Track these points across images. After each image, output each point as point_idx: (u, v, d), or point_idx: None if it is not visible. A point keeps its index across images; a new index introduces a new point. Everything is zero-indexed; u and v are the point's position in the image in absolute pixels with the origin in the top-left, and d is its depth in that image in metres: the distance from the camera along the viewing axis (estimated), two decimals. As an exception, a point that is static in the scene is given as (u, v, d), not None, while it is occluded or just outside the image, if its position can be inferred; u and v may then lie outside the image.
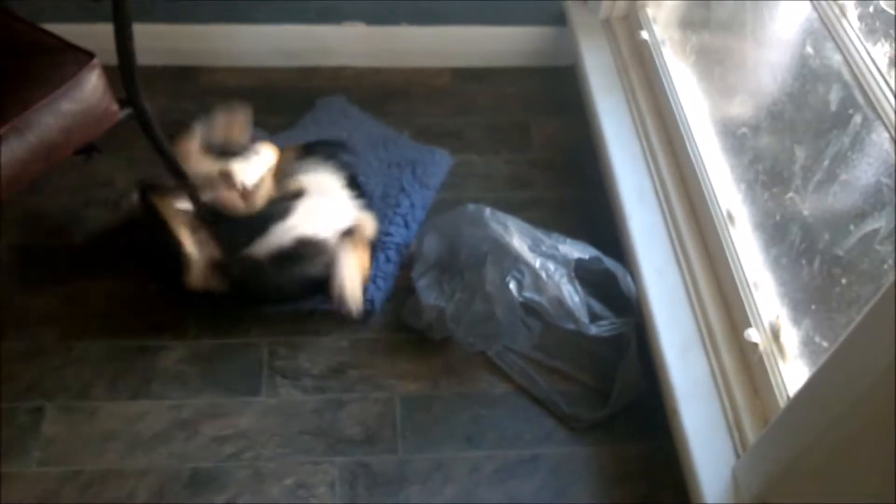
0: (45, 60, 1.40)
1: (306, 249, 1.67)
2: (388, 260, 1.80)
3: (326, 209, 1.72)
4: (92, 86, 1.41)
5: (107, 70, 1.44)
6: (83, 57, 1.41)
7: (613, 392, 1.64)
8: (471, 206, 1.77)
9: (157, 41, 2.09)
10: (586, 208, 1.96)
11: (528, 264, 1.67)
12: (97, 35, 1.43)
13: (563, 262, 1.69)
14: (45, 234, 1.82)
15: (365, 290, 1.73)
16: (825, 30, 1.37)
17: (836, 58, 1.35)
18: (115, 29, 1.39)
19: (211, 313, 1.72)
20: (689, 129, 1.81)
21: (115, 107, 1.47)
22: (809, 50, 1.46)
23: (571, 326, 1.65)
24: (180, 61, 2.17)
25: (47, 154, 1.39)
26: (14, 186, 1.37)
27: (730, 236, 1.62)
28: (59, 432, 1.54)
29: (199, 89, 2.14)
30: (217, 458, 1.54)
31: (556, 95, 2.23)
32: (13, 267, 1.76)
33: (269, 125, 2.04)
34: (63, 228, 1.83)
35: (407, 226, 1.86)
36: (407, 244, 1.84)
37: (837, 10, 1.34)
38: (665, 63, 1.95)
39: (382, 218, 1.85)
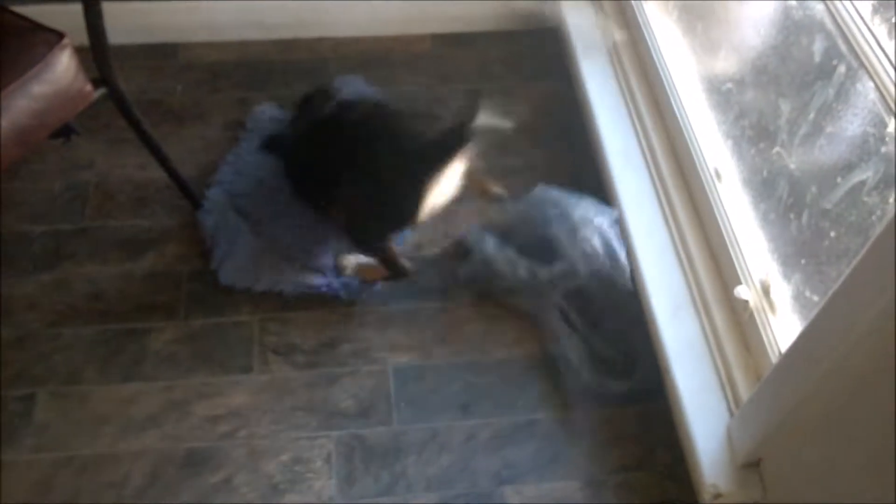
0: (13, 43, 1.38)
1: None
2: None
3: None
4: (63, 66, 1.38)
5: (81, 51, 1.42)
6: (53, 37, 1.39)
7: (636, 373, 1.61)
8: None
9: (132, 19, 2.06)
10: (573, 172, 1.94)
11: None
12: (69, 15, 1.41)
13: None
14: (26, 219, 1.80)
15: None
16: (807, -21, 1.35)
17: (819, 7, 1.33)
18: (83, 6, 1.36)
19: (200, 292, 1.71)
20: (675, 86, 1.79)
21: (88, 87, 1.44)
22: (792, 1, 1.43)
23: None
24: (157, 38, 2.14)
25: (21, 138, 1.36)
26: (-11, 172, 1.36)
27: (717, 194, 1.61)
28: (51, 418, 1.53)
29: (177, 66, 2.11)
30: (211, 437, 1.53)
31: (540, 58, 2.20)
32: (-4, 254, 1.74)
33: (253, 100, 2.02)
34: (44, 213, 1.81)
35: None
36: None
37: (819, -41, 1.32)
38: (648, 20, 1.92)
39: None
